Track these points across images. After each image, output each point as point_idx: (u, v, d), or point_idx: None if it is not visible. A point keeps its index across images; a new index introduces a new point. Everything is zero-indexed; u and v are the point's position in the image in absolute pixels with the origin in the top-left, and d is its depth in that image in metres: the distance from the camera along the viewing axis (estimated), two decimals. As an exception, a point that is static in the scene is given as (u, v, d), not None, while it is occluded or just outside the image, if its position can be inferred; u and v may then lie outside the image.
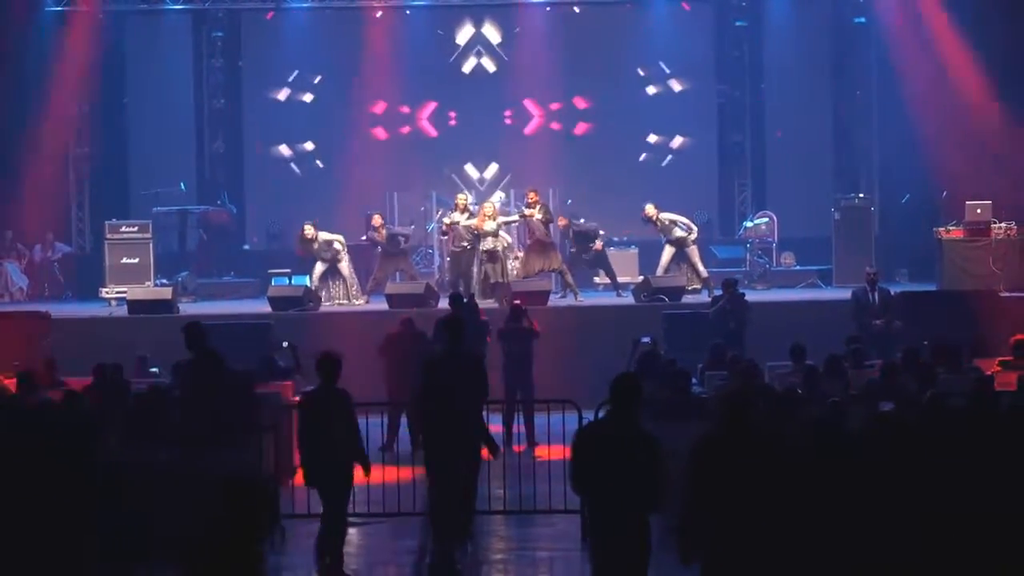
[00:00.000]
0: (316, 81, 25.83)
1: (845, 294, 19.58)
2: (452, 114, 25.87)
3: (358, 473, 10.90)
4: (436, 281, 21.99)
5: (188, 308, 21.26)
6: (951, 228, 21.52)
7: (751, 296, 19.54)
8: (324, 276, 21.38)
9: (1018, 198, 21.98)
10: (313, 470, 10.70)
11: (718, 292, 19.15)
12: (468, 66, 26.03)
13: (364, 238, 22.21)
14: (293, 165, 26.02)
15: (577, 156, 25.77)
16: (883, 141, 24.87)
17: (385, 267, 21.68)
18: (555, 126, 26.12)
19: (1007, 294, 20.31)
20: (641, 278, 21.57)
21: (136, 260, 22.38)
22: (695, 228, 21.92)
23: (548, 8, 25.34)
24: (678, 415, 12.26)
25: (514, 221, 21.50)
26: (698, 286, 21.36)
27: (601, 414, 11.79)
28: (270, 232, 25.42)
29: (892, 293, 19.20)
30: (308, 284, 21.50)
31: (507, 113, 25.81)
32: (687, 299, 20.54)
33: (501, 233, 21.15)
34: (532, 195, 21.35)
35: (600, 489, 8.26)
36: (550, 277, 21.39)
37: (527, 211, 21.13)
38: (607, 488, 8.19)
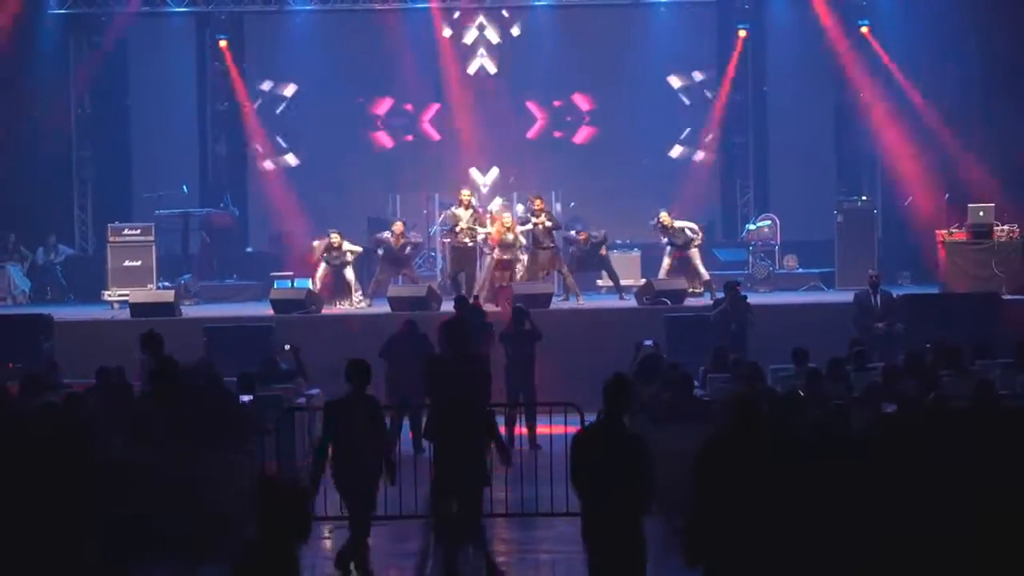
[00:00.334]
0: (318, 84, 25.82)
1: (847, 297, 19.58)
2: (454, 117, 25.85)
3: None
4: (439, 284, 22.00)
5: (190, 311, 21.28)
6: (953, 231, 21.52)
7: (753, 299, 19.53)
8: (327, 279, 21.37)
9: (1020, 200, 21.99)
10: (340, 476, 10.66)
11: (720, 295, 19.15)
12: (471, 69, 26.03)
13: (381, 240, 21.97)
14: (295, 169, 26.01)
15: (579, 159, 25.82)
16: (885, 144, 24.84)
17: (387, 270, 21.69)
18: (557, 131, 26.13)
19: (1009, 296, 20.31)
20: (643, 281, 21.58)
21: (139, 263, 22.39)
22: (700, 233, 21.95)
23: (551, 11, 25.33)
24: (680, 418, 12.26)
25: (528, 230, 21.41)
26: (699, 289, 21.35)
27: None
28: (272, 235, 25.44)
29: (894, 296, 19.21)
30: (310, 287, 21.51)
31: (509, 116, 25.80)
32: (689, 302, 20.54)
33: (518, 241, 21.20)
34: (538, 202, 21.36)
35: (593, 490, 8.29)
36: (552, 280, 21.39)
37: (536, 219, 21.12)
38: (598, 489, 8.23)
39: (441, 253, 23.47)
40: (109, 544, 9.55)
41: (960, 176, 22.94)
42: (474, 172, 25.67)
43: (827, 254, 23.37)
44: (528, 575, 11.36)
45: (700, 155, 25.95)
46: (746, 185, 25.84)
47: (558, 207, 24.05)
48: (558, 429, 12.97)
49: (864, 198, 24.06)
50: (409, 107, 26.12)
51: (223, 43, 25.32)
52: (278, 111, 26.03)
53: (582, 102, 26.14)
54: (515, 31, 26.02)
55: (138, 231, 22.76)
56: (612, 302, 21.43)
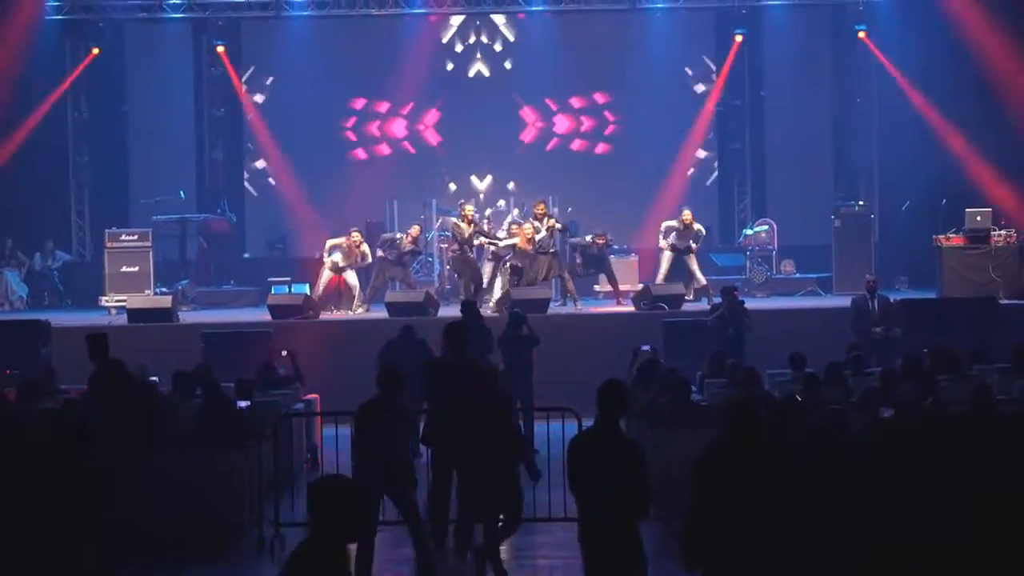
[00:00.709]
0: (315, 89, 25.82)
1: (845, 302, 19.58)
2: (452, 122, 25.88)
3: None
4: (436, 289, 22.00)
5: (188, 316, 21.27)
6: (951, 235, 21.54)
7: (750, 304, 19.54)
8: (328, 285, 21.35)
9: (1018, 205, 22.00)
10: (371, 481, 10.62)
11: (717, 300, 19.14)
12: (468, 74, 26.04)
13: (389, 240, 21.91)
14: (292, 174, 26.01)
15: (576, 164, 25.84)
16: (883, 149, 24.87)
17: (383, 275, 21.68)
18: (554, 134, 26.15)
19: (1007, 301, 20.32)
20: (641, 286, 21.58)
21: (136, 268, 22.39)
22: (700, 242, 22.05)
23: (547, 17, 25.33)
24: (678, 422, 12.25)
25: (546, 235, 21.35)
26: (690, 297, 21.35)
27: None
28: (269, 241, 25.44)
29: (892, 301, 19.21)
30: (308, 292, 21.50)
31: (507, 122, 25.81)
32: (686, 307, 20.55)
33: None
34: (540, 207, 21.37)
35: (589, 495, 8.30)
36: (550, 285, 21.39)
37: (549, 222, 21.11)
38: (595, 493, 8.23)
39: (439, 258, 23.46)
40: (105, 548, 9.55)
41: (957, 181, 22.94)
42: (473, 179, 25.67)
43: (824, 259, 23.38)
44: (526, 580, 11.36)
45: (696, 160, 25.95)
46: (743, 190, 25.86)
47: (555, 212, 24.02)
48: (555, 434, 12.94)
49: (861, 203, 24.07)
50: (406, 112, 26.12)
51: (220, 48, 25.32)
52: (275, 116, 25.99)
53: (578, 108, 26.14)
54: (512, 37, 26.04)
55: (135, 237, 22.75)
56: (610, 307, 21.43)
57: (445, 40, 26.03)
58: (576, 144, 26.16)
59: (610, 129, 26.06)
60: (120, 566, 9.87)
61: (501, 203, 25.01)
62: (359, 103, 26.07)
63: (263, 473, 12.50)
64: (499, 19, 26.06)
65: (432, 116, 26.07)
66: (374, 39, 25.41)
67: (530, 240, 20.88)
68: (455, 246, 21.33)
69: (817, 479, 8.55)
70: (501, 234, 21.65)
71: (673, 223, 21.91)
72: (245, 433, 12.67)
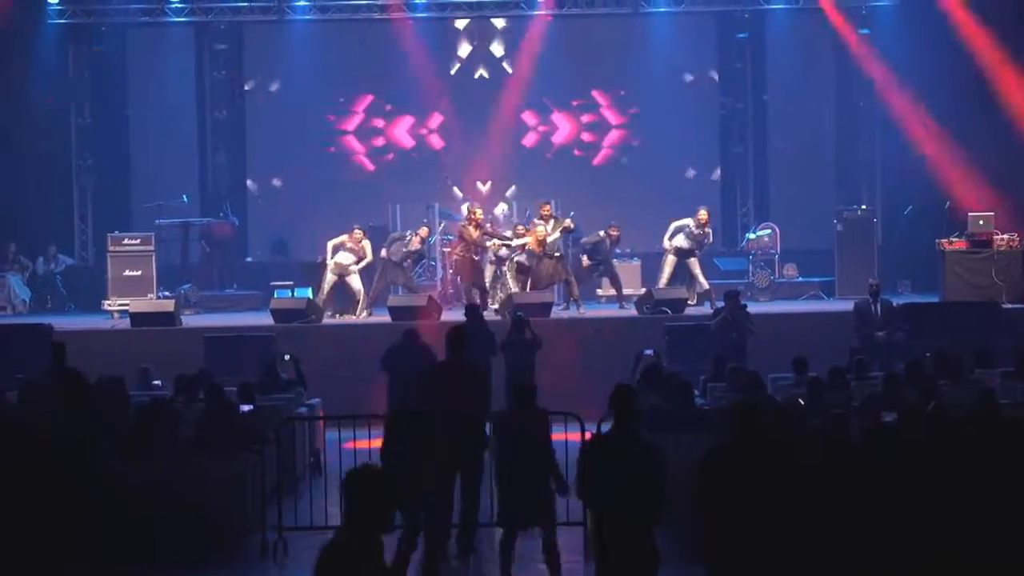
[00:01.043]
0: (317, 93, 25.84)
1: (847, 306, 19.57)
2: (454, 126, 25.86)
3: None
4: (439, 293, 21.99)
5: (190, 320, 21.28)
6: (953, 239, 21.52)
7: (753, 308, 19.53)
8: (332, 289, 21.34)
9: (1020, 209, 21.99)
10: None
11: (720, 304, 19.14)
12: (470, 78, 26.04)
13: (397, 239, 21.91)
14: (294, 178, 26.02)
15: (578, 168, 25.84)
16: (885, 152, 24.86)
17: (383, 279, 21.66)
18: (557, 138, 26.16)
19: (1009, 305, 20.31)
20: (644, 290, 21.57)
21: (139, 272, 22.39)
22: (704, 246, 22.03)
23: (549, 20, 25.33)
24: (681, 427, 12.25)
25: (558, 237, 21.32)
26: (692, 301, 21.33)
27: (605, 426, 11.83)
28: (272, 244, 25.44)
29: (894, 304, 19.21)
30: (310, 296, 21.49)
31: (509, 126, 25.79)
32: (689, 311, 20.53)
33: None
34: (546, 208, 21.38)
35: (606, 501, 8.27)
36: (553, 289, 21.38)
37: (560, 224, 21.14)
38: (613, 499, 8.21)
39: (441, 262, 23.45)
40: (108, 551, 9.56)
41: (960, 185, 22.93)
42: (476, 183, 25.70)
43: (827, 263, 23.37)
44: (528, 585, 11.34)
45: (699, 164, 25.96)
46: (746, 194, 25.86)
47: (558, 215, 24.01)
48: (558, 438, 12.91)
49: (864, 207, 24.04)
50: (408, 117, 26.12)
51: (222, 51, 25.32)
52: (276, 119, 26.00)
53: (581, 112, 26.14)
54: (515, 41, 26.02)
55: (138, 241, 22.76)
56: (612, 311, 21.42)
57: (447, 44, 26.01)
58: (578, 148, 26.16)
59: (612, 133, 26.06)
60: (123, 570, 9.88)
61: (503, 206, 24.98)
62: (361, 107, 26.07)
63: (266, 477, 12.50)
64: (502, 23, 26.06)
65: (434, 120, 26.07)
66: (377, 43, 25.42)
67: (541, 241, 20.88)
68: (460, 249, 21.32)
69: (820, 482, 8.56)
70: (507, 233, 21.67)
71: (684, 222, 21.79)
72: (248, 437, 12.67)
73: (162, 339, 19.54)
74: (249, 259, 25.67)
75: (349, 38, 25.65)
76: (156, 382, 16.24)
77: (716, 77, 25.92)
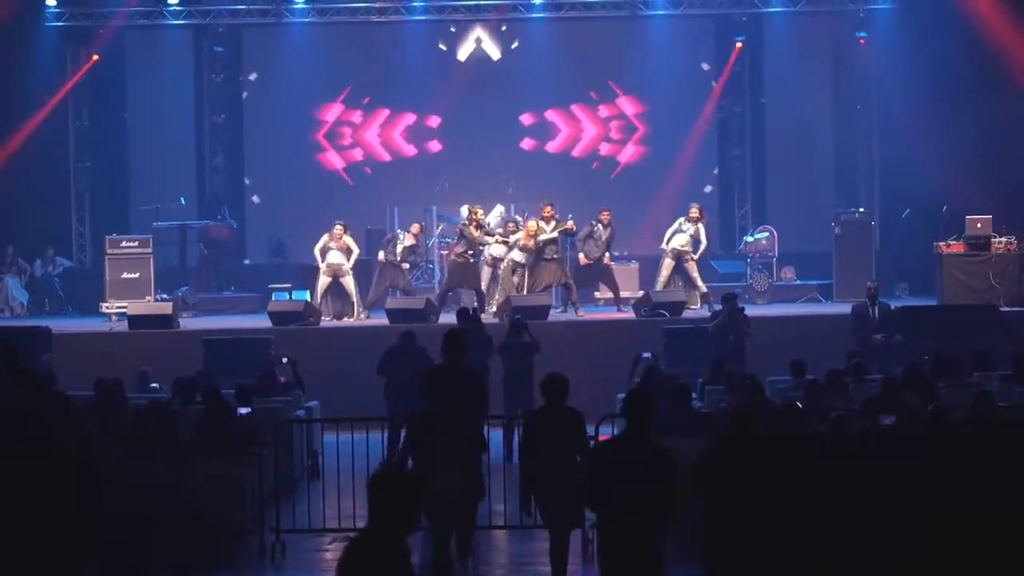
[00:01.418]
0: (315, 95, 25.85)
1: (845, 309, 19.59)
2: (452, 128, 25.86)
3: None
4: (436, 296, 21.98)
5: (188, 323, 21.28)
6: (951, 242, 21.54)
7: (751, 311, 19.54)
8: (327, 291, 21.36)
9: (1018, 212, 22.00)
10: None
11: (718, 307, 19.15)
12: (468, 80, 26.02)
13: (395, 241, 21.90)
14: (291, 180, 26.01)
15: (576, 170, 25.83)
16: (883, 155, 24.89)
17: (382, 281, 21.68)
18: (554, 141, 26.15)
19: (1007, 308, 20.32)
20: (641, 293, 21.58)
21: (136, 275, 22.39)
22: (701, 249, 22.02)
23: (548, 24, 25.35)
24: (679, 430, 12.24)
25: (554, 237, 21.32)
26: (695, 305, 21.35)
27: (603, 428, 11.84)
28: (271, 247, 25.44)
29: (892, 307, 19.21)
30: (308, 299, 21.49)
31: (507, 128, 25.81)
32: (687, 314, 20.54)
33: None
34: (548, 209, 21.39)
35: (617, 505, 8.25)
36: (551, 292, 21.39)
37: (560, 225, 21.15)
38: (624, 504, 8.19)
39: (439, 265, 23.46)
40: (104, 555, 9.54)
41: (958, 188, 22.94)
42: (473, 185, 25.71)
43: (825, 266, 23.38)
44: (527, 587, 11.35)
45: (696, 167, 25.94)
46: (744, 197, 25.86)
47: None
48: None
49: (862, 210, 24.07)
50: (407, 119, 26.12)
51: (221, 54, 25.35)
52: (275, 122, 26.00)
53: (579, 114, 26.15)
54: (513, 44, 26.04)
55: (136, 243, 22.76)
56: (610, 314, 21.42)
57: (445, 47, 26.02)
58: (576, 151, 26.15)
59: (610, 136, 26.05)
60: (121, 572, 9.87)
61: (500, 208, 24.98)
62: (359, 109, 26.05)
63: (264, 480, 12.50)
64: (499, 26, 26.05)
65: (432, 122, 26.06)
66: (375, 45, 25.44)
67: (533, 235, 20.90)
68: (459, 249, 21.33)
69: (817, 484, 8.57)
70: (498, 230, 21.69)
71: (679, 221, 21.86)
72: (246, 440, 12.67)
73: (160, 341, 19.54)
74: (247, 262, 25.66)
75: (347, 40, 25.65)
76: (154, 384, 16.24)
77: (713, 80, 25.89)
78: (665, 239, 21.84)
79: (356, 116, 26.07)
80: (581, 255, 21.84)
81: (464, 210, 22.80)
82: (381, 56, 25.44)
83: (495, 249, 21.31)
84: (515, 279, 21.02)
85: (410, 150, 26.19)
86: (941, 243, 21.61)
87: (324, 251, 21.34)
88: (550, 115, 26.14)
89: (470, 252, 21.19)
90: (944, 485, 9.04)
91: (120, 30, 25.09)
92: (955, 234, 21.69)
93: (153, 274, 22.59)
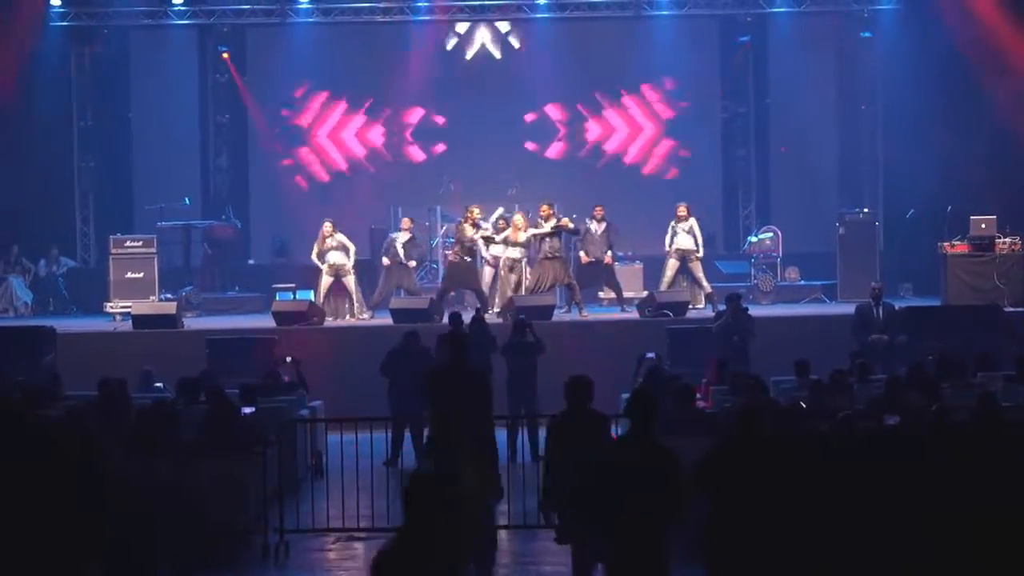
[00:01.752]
0: (320, 95, 25.86)
1: (849, 309, 19.56)
2: (456, 128, 25.87)
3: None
4: (436, 296, 21.95)
5: (192, 323, 21.29)
6: (956, 243, 21.52)
7: (755, 311, 19.52)
8: (329, 291, 21.36)
9: (1023, 213, 21.99)
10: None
11: (722, 307, 19.14)
12: (472, 81, 26.03)
13: (392, 243, 21.87)
14: (295, 181, 26.04)
15: (580, 171, 25.84)
16: (887, 156, 24.87)
17: (389, 281, 21.68)
18: (558, 141, 26.16)
19: (1012, 309, 20.30)
20: (645, 293, 21.57)
21: (141, 275, 22.41)
22: (702, 249, 21.96)
23: (552, 24, 25.35)
24: (683, 430, 12.23)
25: (546, 233, 21.29)
26: (700, 305, 21.33)
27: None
28: (274, 247, 25.45)
29: (896, 308, 19.20)
30: (312, 299, 21.50)
31: (510, 128, 25.82)
32: (691, 314, 20.54)
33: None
34: (546, 209, 21.36)
35: (622, 506, 8.24)
36: (554, 292, 21.38)
37: (563, 221, 21.15)
38: (629, 505, 8.18)
39: (443, 265, 23.46)
40: (112, 558, 9.55)
41: (962, 188, 22.94)
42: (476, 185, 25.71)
43: (829, 266, 23.37)
44: (530, 588, 11.35)
45: (701, 168, 25.97)
46: (748, 197, 25.86)
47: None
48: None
49: (866, 210, 24.06)
50: (410, 118, 26.14)
51: (225, 54, 25.38)
52: (280, 123, 26.03)
53: (583, 114, 26.15)
54: (517, 44, 26.05)
55: (140, 243, 22.77)
56: (614, 314, 21.41)
57: (450, 47, 26.03)
58: (580, 151, 26.15)
59: (614, 136, 26.05)
60: (124, 572, 9.87)
61: (500, 210, 24.96)
62: (363, 109, 26.07)
63: (267, 479, 12.50)
64: (504, 26, 26.06)
65: (436, 122, 26.07)
66: (379, 45, 25.44)
67: (521, 228, 20.90)
68: (457, 248, 21.34)
69: (821, 484, 8.56)
70: (488, 226, 21.70)
71: (671, 225, 21.89)
72: (249, 439, 12.67)
73: (164, 341, 19.55)
74: (251, 261, 25.68)
75: (351, 40, 25.65)
76: (158, 384, 16.25)
77: (718, 80, 25.89)
78: (666, 244, 21.84)
79: (359, 116, 26.08)
80: (582, 253, 21.84)
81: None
82: (385, 56, 25.44)
83: (496, 249, 21.31)
84: (513, 276, 21.00)
85: (414, 150, 26.20)
86: (945, 243, 21.58)
87: (323, 253, 21.36)
88: (554, 115, 26.14)
89: (467, 252, 21.18)
90: (948, 485, 9.03)
91: (124, 30, 25.11)
92: (959, 234, 21.66)
93: (157, 274, 22.60)
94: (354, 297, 21.34)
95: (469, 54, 26.15)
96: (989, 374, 15.04)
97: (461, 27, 26.05)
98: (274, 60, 25.97)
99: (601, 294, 22.70)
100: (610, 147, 26.07)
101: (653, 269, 22.52)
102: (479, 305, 20.47)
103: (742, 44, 25.38)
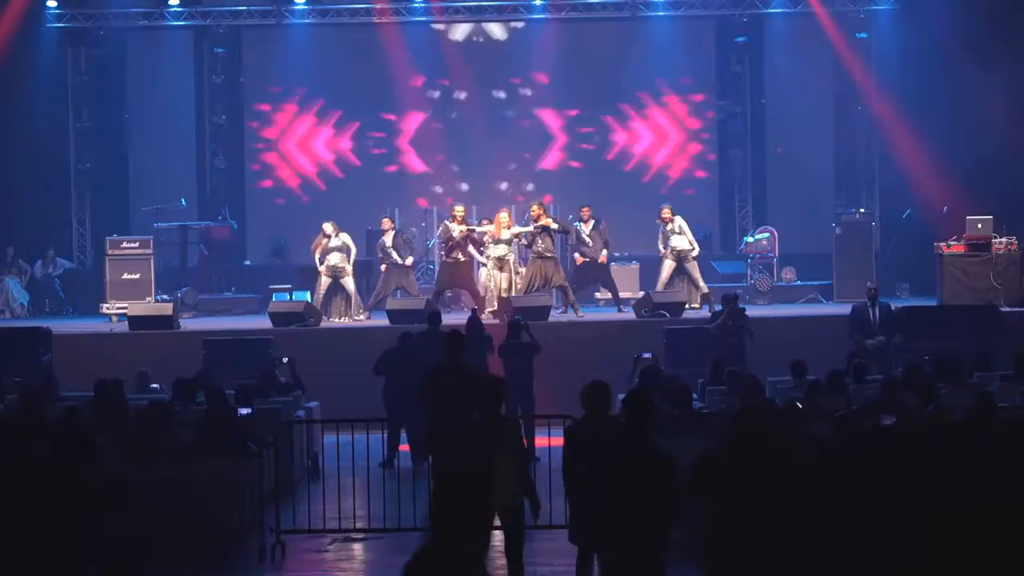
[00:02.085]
0: (316, 96, 25.85)
1: (846, 309, 19.56)
2: (452, 130, 25.86)
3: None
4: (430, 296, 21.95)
5: (189, 324, 21.27)
6: (952, 243, 21.52)
7: (752, 311, 19.53)
8: (328, 292, 21.34)
9: (1019, 213, 21.99)
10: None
11: (718, 307, 19.14)
12: (469, 81, 26.00)
13: (385, 249, 21.86)
14: (293, 181, 26.03)
15: (576, 172, 25.83)
16: (884, 156, 24.87)
17: (388, 283, 21.67)
18: (553, 143, 26.14)
19: (1008, 309, 20.31)
20: (642, 293, 21.56)
21: (137, 276, 22.39)
22: (697, 246, 21.94)
23: (548, 25, 25.34)
24: (680, 430, 12.24)
25: (529, 231, 21.29)
26: (697, 305, 21.33)
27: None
28: (271, 248, 25.44)
29: (893, 308, 19.20)
30: (309, 300, 21.49)
31: (507, 130, 25.81)
32: (688, 314, 20.54)
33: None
34: (536, 209, 21.36)
35: (617, 506, 8.24)
36: (551, 292, 21.37)
37: (545, 221, 21.09)
38: (625, 506, 8.17)
39: (439, 266, 23.45)
40: (105, 555, 9.55)
41: (959, 188, 22.94)
42: (467, 186, 25.72)
43: (826, 266, 23.37)
44: (527, 588, 11.32)
45: (697, 168, 25.98)
46: (744, 197, 25.85)
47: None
48: (557, 441, 12.93)
49: (862, 210, 24.06)
50: (407, 120, 26.11)
51: (221, 56, 25.34)
52: (276, 124, 26.03)
53: (579, 115, 26.13)
54: (513, 46, 26.01)
55: (136, 244, 22.76)
56: (611, 315, 21.41)
57: (447, 48, 25.99)
58: (576, 152, 26.14)
59: (611, 137, 26.03)
60: (121, 572, 9.88)
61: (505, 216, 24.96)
62: (359, 110, 26.04)
63: (264, 480, 12.50)
64: (500, 28, 26.04)
65: (432, 124, 26.04)
66: (375, 46, 25.42)
67: (505, 225, 20.90)
68: (445, 248, 21.34)
69: (819, 485, 8.56)
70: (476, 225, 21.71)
71: (660, 229, 21.92)
72: (246, 440, 12.67)
73: (160, 342, 19.54)
74: (247, 262, 25.67)
75: (347, 42, 25.63)
76: (154, 385, 16.24)
77: (715, 81, 25.89)
78: (660, 246, 21.83)
79: (355, 117, 26.05)
80: (577, 255, 21.85)
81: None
82: (381, 57, 25.42)
83: (493, 250, 21.28)
84: (503, 275, 20.95)
85: (409, 151, 26.17)
86: (942, 243, 21.58)
87: (323, 254, 21.35)
88: (550, 117, 26.12)
89: (459, 250, 21.16)
90: (944, 486, 9.03)
91: (121, 31, 25.09)
92: (956, 235, 21.66)
93: (154, 275, 22.59)
94: (352, 298, 21.33)
95: (465, 56, 26.07)
96: (986, 374, 15.06)
97: (458, 28, 25.97)
98: (270, 62, 25.95)
99: (598, 294, 22.69)
100: (606, 148, 26.01)
101: (649, 269, 22.51)
102: (475, 305, 20.49)
103: (738, 44, 25.36)
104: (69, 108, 25.25)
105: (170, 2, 24.61)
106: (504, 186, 25.83)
